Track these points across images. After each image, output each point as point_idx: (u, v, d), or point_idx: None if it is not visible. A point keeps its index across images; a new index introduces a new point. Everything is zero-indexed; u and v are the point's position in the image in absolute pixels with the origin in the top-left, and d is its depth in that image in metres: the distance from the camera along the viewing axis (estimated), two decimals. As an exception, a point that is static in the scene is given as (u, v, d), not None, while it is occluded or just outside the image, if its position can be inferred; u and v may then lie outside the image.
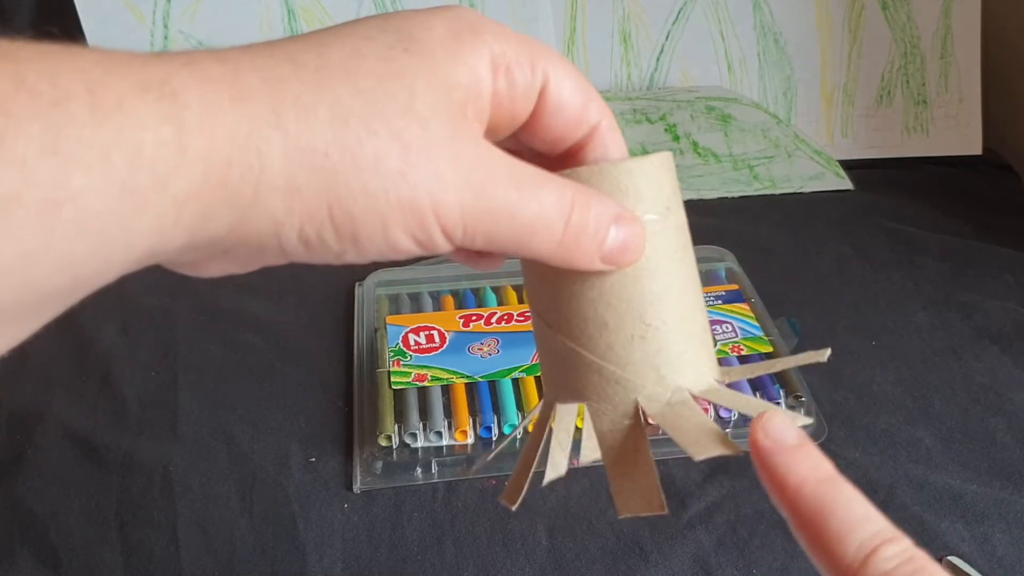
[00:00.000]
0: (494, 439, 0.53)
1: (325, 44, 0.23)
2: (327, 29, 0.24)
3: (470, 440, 0.53)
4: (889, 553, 0.24)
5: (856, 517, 0.25)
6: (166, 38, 0.76)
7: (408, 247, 0.24)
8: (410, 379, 0.55)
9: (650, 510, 0.28)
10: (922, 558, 0.24)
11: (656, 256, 0.28)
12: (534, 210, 0.25)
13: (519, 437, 0.54)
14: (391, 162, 0.22)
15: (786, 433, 0.27)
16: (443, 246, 0.24)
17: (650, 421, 0.29)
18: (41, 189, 0.18)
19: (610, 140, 0.28)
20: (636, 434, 0.29)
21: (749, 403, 0.29)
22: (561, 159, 0.28)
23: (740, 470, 0.52)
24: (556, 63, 0.26)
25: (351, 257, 0.23)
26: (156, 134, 0.20)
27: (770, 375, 0.56)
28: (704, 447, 0.27)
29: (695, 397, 0.29)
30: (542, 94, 0.26)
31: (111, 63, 0.20)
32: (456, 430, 0.53)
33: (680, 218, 0.29)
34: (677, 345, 0.28)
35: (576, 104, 0.27)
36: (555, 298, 0.28)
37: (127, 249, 0.20)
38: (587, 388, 0.29)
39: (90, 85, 0.19)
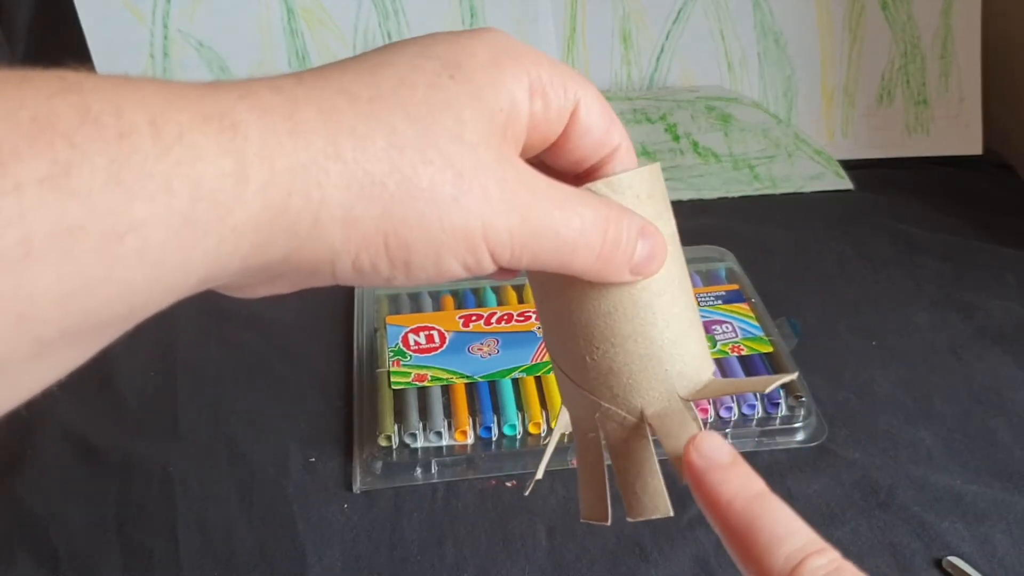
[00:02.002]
0: (494, 439, 0.53)
1: (375, 74, 0.24)
2: (373, 55, 0.25)
3: (470, 440, 0.53)
4: (816, 564, 0.25)
5: (784, 530, 0.26)
6: (166, 38, 0.76)
7: (457, 272, 0.24)
8: (410, 379, 0.55)
9: (657, 514, 0.30)
10: (849, 569, 0.25)
11: (676, 249, 0.29)
12: (576, 227, 0.26)
13: (525, 437, 0.54)
14: (445, 189, 0.23)
15: (718, 452, 0.28)
16: (489, 269, 0.25)
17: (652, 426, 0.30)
18: (105, 220, 0.19)
19: (628, 161, 0.29)
20: (643, 442, 0.30)
21: (742, 384, 0.31)
22: (580, 178, 0.29)
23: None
24: (586, 87, 0.27)
25: (400, 282, 0.24)
26: (217, 166, 0.20)
27: (770, 376, 0.56)
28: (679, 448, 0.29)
29: (694, 400, 0.30)
30: (572, 116, 0.27)
31: (171, 95, 0.20)
32: (456, 430, 0.53)
33: (673, 223, 0.30)
34: (678, 352, 0.29)
35: (602, 127, 0.28)
36: (569, 313, 0.29)
37: (185, 277, 0.21)
38: (599, 397, 0.30)
39: (152, 116, 0.20)
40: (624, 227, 0.27)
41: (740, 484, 0.27)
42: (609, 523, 0.30)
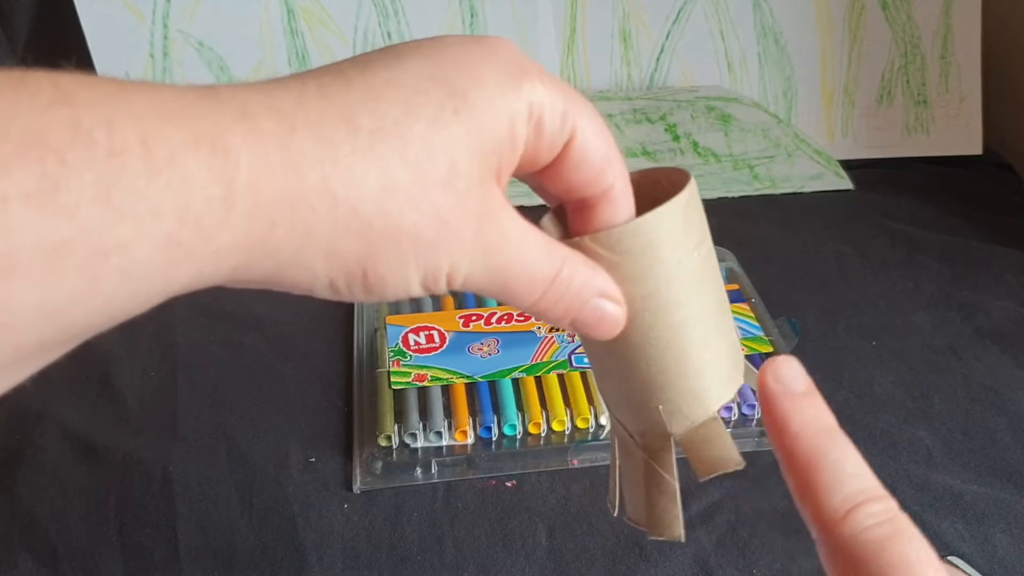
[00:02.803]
0: (494, 439, 0.53)
1: (380, 98, 0.24)
2: (380, 68, 0.24)
3: (470, 440, 0.53)
4: (873, 510, 0.25)
5: (847, 472, 0.25)
6: (166, 38, 0.76)
7: (419, 294, 0.26)
8: (410, 379, 0.55)
9: (669, 536, 0.31)
10: (903, 520, 0.25)
11: (680, 292, 0.29)
12: (527, 274, 0.26)
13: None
14: (427, 235, 0.24)
15: (796, 380, 0.27)
16: (442, 292, 0.26)
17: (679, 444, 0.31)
18: (90, 238, 0.19)
19: (621, 203, 0.28)
20: (664, 463, 0.31)
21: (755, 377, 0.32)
22: (571, 210, 0.29)
23: (740, 470, 0.52)
24: (587, 118, 0.27)
25: (366, 300, 0.26)
26: (205, 191, 0.20)
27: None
28: (719, 466, 0.30)
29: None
30: (566, 147, 0.27)
31: (166, 110, 0.20)
32: (456, 430, 0.53)
33: (702, 251, 0.29)
34: (704, 376, 0.29)
35: (596, 163, 0.27)
36: (592, 339, 0.30)
37: (165, 291, 0.21)
38: (626, 419, 0.31)
39: (144, 135, 0.20)
40: (575, 285, 0.27)
41: (812, 416, 0.26)
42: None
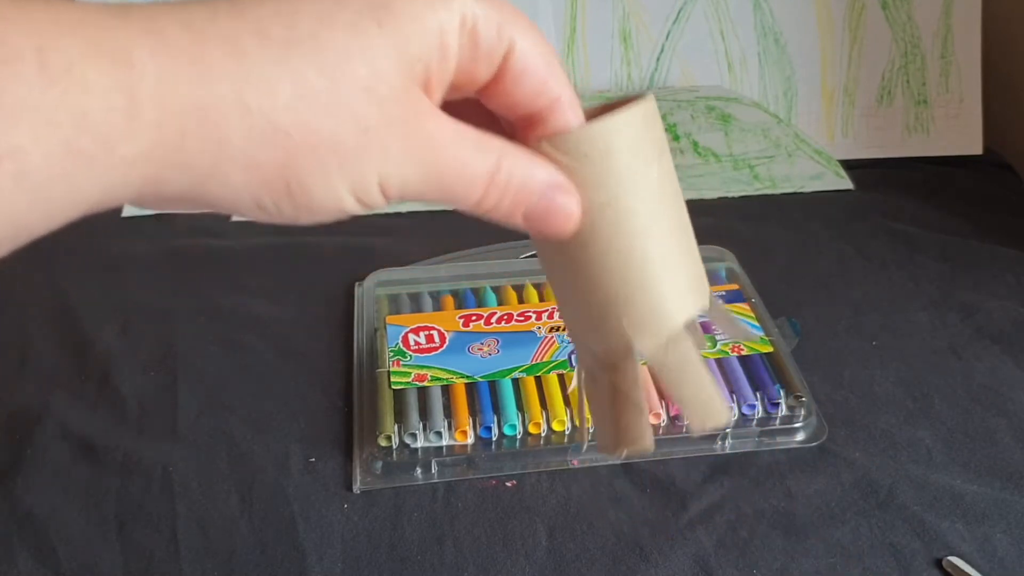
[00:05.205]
0: (494, 439, 0.53)
1: (296, 12, 0.23)
2: None
3: (470, 440, 0.53)
4: None
5: None
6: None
7: (355, 210, 0.25)
8: (410, 379, 0.55)
9: (640, 447, 0.31)
10: None
11: (639, 202, 0.28)
12: (464, 173, 0.26)
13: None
14: (348, 143, 0.24)
15: None
16: (382, 205, 0.26)
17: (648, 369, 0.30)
18: None
19: (571, 113, 0.28)
20: (628, 378, 0.30)
21: (737, 326, 0.32)
22: (519, 126, 0.29)
23: (740, 470, 0.52)
24: (524, 31, 0.27)
25: (303, 220, 0.25)
26: (105, 100, 0.20)
27: (770, 375, 0.56)
28: (709, 418, 0.30)
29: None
30: (505, 60, 0.27)
31: (67, 22, 0.20)
32: (456, 430, 0.53)
33: (662, 165, 0.29)
34: (665, 286, 0.29)
35: (538, 75, 0.27)
36: (553, 257, 0.30)
37: (72, 204, 0.21)
38: (590, 339, 0.31)
39: (40, 46, 0.20)
40: (516, 177, 0.27)
41: None
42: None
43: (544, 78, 0.27)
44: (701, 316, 0.31)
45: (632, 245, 0.28)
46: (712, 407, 0.30)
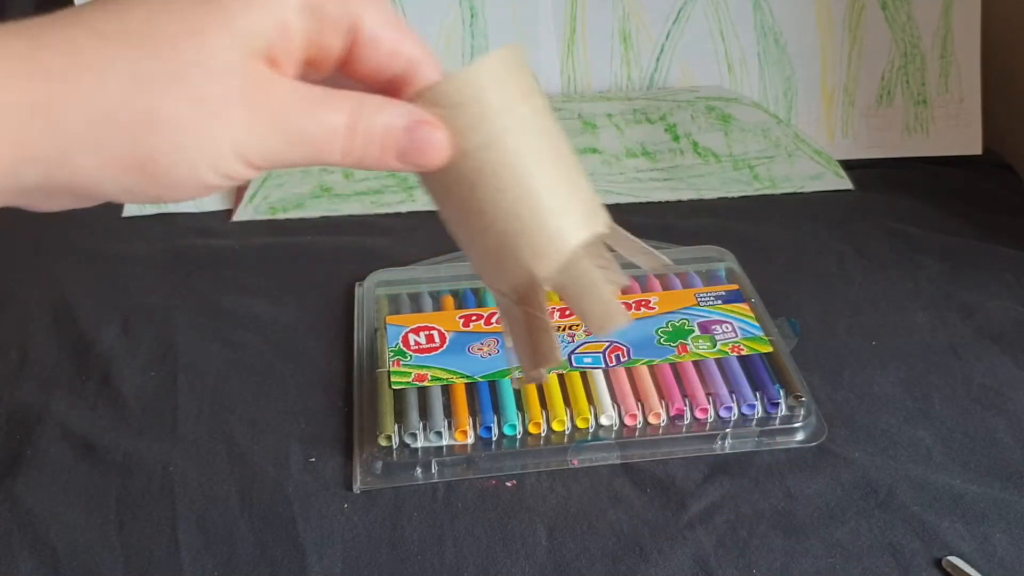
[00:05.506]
0: (494, 439, 0.53)
1: (127, 10, 0.25)
2: None
3: (470, 440, 0.53)
4: None
5: None
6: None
7: (220, 184, 0.27)
8: (410, 379, 0.55)
9: (552, 361, 0.33)
10: None
11: (518, 139, 0.30)
12: (322, 129, 0.27)
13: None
14: (189, 119, 0.25)
15: None
16: (251, 175, 0.27)
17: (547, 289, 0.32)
18: None
19: (434, 68, 0.30)
20: (536, 305, 0.32)
21: (638, 247, 0.35)
22: (393, 93, 0.30)
23: (740, 470, 0.52)
24: (370, 2, 0.28)
25: (172, 198, 0.26)
26: None
27: (770, 375, 0.56)
28: (608, 321, 0.32)
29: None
30: (356, 31, 0.28)
31: None
32: (456, 430, 0.53)
33: (534, 104, 0.31)
34: (555, 214, 0.31)
35: (389, 38, 0.29)
36: (446, 195, 0.32)
37: None
38: (499, 280, 0.32)
39: None
40: (379, 122, 0.28)
41: None
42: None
43: (395, 40, 0.29)
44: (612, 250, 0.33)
45: (516, 179, 0.30)
46: (610, 314, 0.32)
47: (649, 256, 0.36)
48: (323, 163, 0.28)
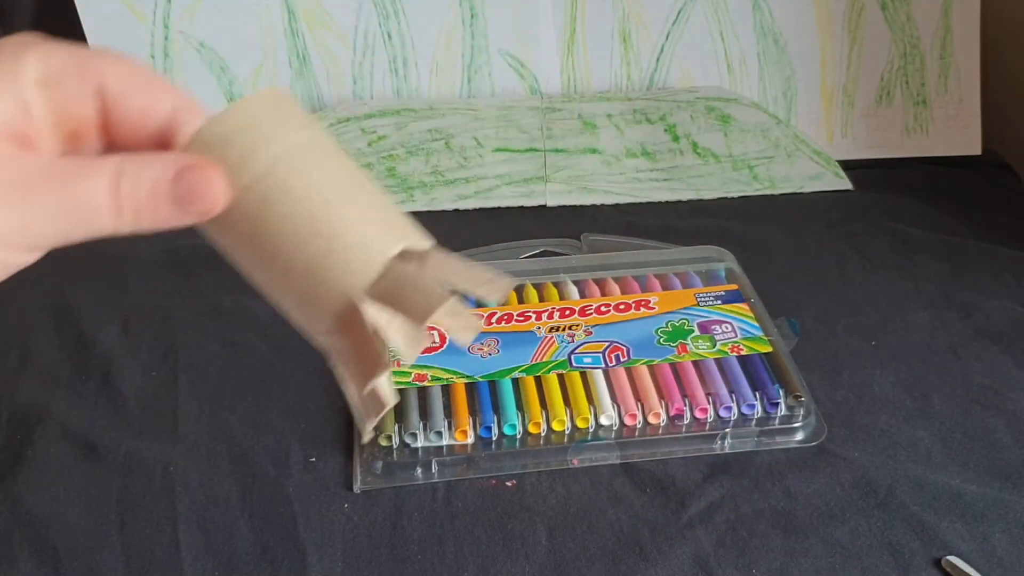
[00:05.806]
0: (494, 439, 0.54)
1: None
2: None
3: (470, 440, 0.53)
4: None
5: None
6: (166, 38, 0.76)
7: (18, 262, 0.26)
8: (410, 379, 0.56)
9: (380, 369, 0.30)
10: None
11: (296, 164, 0.29)
12: (78, 199, 0.26)
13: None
14: None
15: None
16: (29, 259, 0.27)
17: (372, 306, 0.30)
18: None
19: (191, 116, 0.29)
20: (357, 325, 0.30)
21: (475, 275, 0.32)
22: (159, 146, 0.29)
23: (740, 470, 0.52)
24: (110, 62, 0.28)
25: None
26: None
27: (769, 375, 0.56)
28: (429, 308, 0.29)
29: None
30: (101, 93, 0.27)
31: None
32: (456, 430, 0.53)
33: (311, 133, 0.29)
34: (359, 226, 0.29)
35: (138, 94, 0.28)
36: (241, 241, 0.30)
37: None
38: (318, 319, 0.31)
39: None
40: (147, 176, 0.27)
41: None
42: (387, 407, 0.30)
43: (146, 94, 0.28)
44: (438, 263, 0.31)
45: (308, 196, 0.29)
46: (429, 301, 0.30)
47: (489, 285, 0.34)
48: (101, 232, 0.27)
